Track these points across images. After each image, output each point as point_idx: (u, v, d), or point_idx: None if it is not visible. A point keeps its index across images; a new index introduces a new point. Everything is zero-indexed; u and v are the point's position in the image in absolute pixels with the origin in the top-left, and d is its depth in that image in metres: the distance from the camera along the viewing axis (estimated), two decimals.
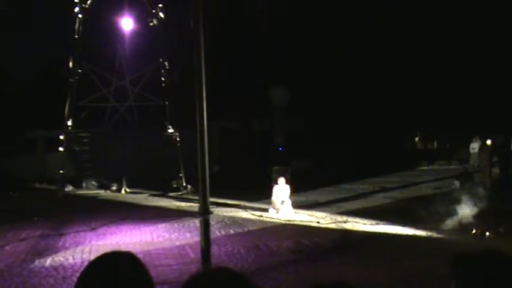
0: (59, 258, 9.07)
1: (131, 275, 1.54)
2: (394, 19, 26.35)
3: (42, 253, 9.49)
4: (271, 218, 13.12)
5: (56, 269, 8.34)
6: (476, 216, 11.33)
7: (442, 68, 26.24)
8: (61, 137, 20.78)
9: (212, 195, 17.33)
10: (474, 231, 10.44)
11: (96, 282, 1.51)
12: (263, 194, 14.64)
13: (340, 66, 25.84)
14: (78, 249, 9.76)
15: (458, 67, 26.02)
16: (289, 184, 14.27)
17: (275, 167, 16.25)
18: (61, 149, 20.64)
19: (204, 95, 6.38)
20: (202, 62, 6.37)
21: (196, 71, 6.37)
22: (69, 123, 20.76)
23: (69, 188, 20.85)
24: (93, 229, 11.73)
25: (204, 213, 6.56)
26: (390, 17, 26.34)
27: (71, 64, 20.51)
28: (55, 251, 9.67)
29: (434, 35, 26.13)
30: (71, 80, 20.42)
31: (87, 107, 21.34)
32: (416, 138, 33.22)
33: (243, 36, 25.57)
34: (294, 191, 14.64)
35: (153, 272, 6.59)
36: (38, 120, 24.03)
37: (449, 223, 11.07)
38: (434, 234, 10.39)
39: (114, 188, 20.63)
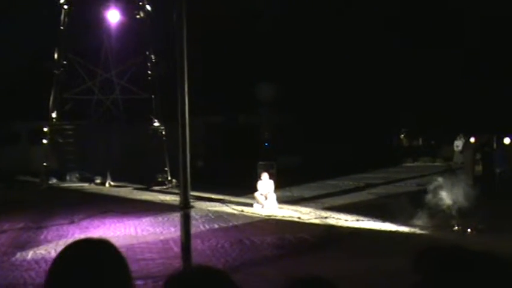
0: (40, 251, 9.00)
1: (105, 261, 1.50)
2: (382, 16, 26.45)
3: (24, 246, 9.40)
4: (255, 213, 13.14)
5: (37, 262, 8.27)
6: (458, 213, 11.43)
7: (427, 66, 26.42)
8: (45, 129, 20.59)
9: (197, 190, 17.34)
10: (456, 227, 10.56)
11: (68, 269, 1.47)
12: (248, 189, 14.65)
13: (327, 62, 25.89)
14: (61, 242, 9.68)
15: (444, 66, 26.22)
16: (274, 179, 14.31)
17: (260, 163, 16.27)
18: (45, 141, 20.45)
19: (186, 89, 6.35)
20: (185, 56, 6.34)
21: (178, 65, 6.34)
22: (54, 115, 20.59)
23: (52, 181, 20.66)
24: (76, 222, 11.65)
25: (184, 207, 6.53)
26: (378, 14, 26.44)
27: (56, 56, 20.31)
28: (37, 244, 9.59)
29: (421, 31, 26.29)
30: (55, 71, 20.23)
31: (72, 99, 21.15)
32: (402, 135, 33.44)
33: (230, 30, 25.50)
34: (279, 186, 14.68)
35: (136, 266, 6.59)
36: (21, 112, 23.76)
37: (432, 220, 11.17)
38: (417, 231, 10.49)
39: (98, 181, 20.50)
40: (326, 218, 12.10)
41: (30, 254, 8.78)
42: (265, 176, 14.09)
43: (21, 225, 11.40)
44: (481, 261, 1.10)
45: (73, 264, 1.48)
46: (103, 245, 1.56)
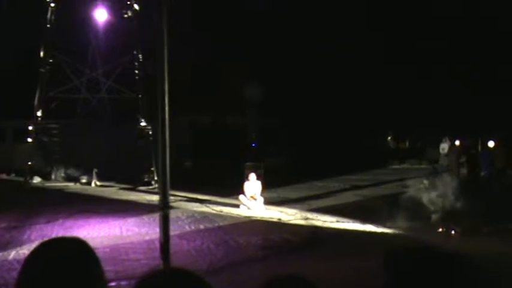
0: (23, 251, 8.91)
1: (77, 260, 1.49)
2: (368, 18, 26.61)
3: (7, 246, 9.31)
4: (241, 213, 13.15)
5: (19, 262, 8.18)
6: (443, 215, 11.54)
7: (414, 68, 26.62)
8: (30, 128, 20.41)
9: (184, 190, 17.27)
10: (440, 229, 10.65)
11: (39, 267, 1.47)
12: (235, 190, 14.65)
13: (315, 64, 25.98)
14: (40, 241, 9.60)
15: (430, 68, 26.44)
16: (261, 180, 14.31)
17: (248, 163, 16.27)
18: (30, 140, 20.27)
19: (166, 87, 6.34)
20: (165, 55, 6.33)
21: (158, 64, 6.33)
22: (39, 113, 20.42)
23: (37, 180, 20.50)
24: (60, 222, 11.57)
25: (163, 208, 6.51)
26: (365, 16, 26.59)
27: (42, 54, 20.15)
28: (20, 243, 9.50)
29: (406, 34, 26.48)
30: (41, 69, 20.06)
31: (58, 98, 21.00)
32: (389, 137, 33.63)
33: (219, 31, 25.50)
34: (266, 187, 14.70)
35: (120, 267, 6.55)
36: (6, 110, 23.54)
37: (417, 221, 11.25)
38: (402, 233, 10.56)
39: (83, 180, 20.38)
40: (311, 219, 12.14)
41: (12, 254, 8.70)
42: (252, 176, 14.09)
43: (4, 224, 11.30)
44: (451, 261, 1.12)
45: (44, 263, 1.47)
46: (75, 244, 1.55)
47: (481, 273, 1.14)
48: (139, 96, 20.80)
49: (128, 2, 19.73)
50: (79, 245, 1.54)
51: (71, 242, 1.55)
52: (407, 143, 33.49)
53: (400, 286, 1.10)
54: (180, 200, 15.33)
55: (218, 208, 13.86)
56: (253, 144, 24.65)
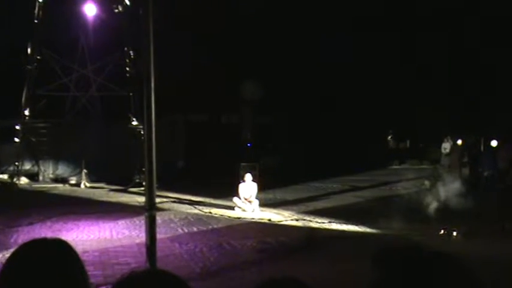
0: (9, 255, 8.89)
1: (59, 262, 1.50)
2: (369, 17, 26.67)
3: None
4: (236, 216, 13.16)
5: None
6: (444, 217, 11.60)
7: (413, 66, 26.70)
8: (17, 127, 20.36)
9: (176, 191, 17.25)
10: (442, 231, 10.70)
11: (20, 270, 1.48)
12: (230, 191, 14.68)
13: (312, 62, 26.01)
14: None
15: (430, 66, 26.52)
16: (256, 181, 14.33)
17: (243, 164, 16.28)
18: (17, 139, 20.22)
19: (153, 85, 6.37)
20: (151, 51, 6.35)
21: (145, 60, 6.35)
22: (27, 112, 20.37)
23: (24, 181, 20.45)
24: (48, 224, 11.56)
25: (149, 209, 6.51)
26: (365, 15, 26.66)
27: (29, 50, 20.10)
28: (6, 246, 9.47)
29: (406, 31, 26.57)
30: (29, 66, 20.02)
31: (46, 96, 20.96)
32: (389, 137, 33.69)
33: (213, 27, 25.49)
34: (262, 188, 14.72)
35: (110, 271, 6.54)
36: None
37: (418, 223, 11.31)
38: (401, 235, 10.60)
39: (72, 182, 20.36)
40: (308, 221, 12.18)
41: None
42: (248, 177, 14.10)
43: None
44: (442, 261, 1.14)
45: (23, 264, 1.48)
46: (56, 245, 1.56)
47: (479, 275, 1.16)
48: (131, 94, 20.78)
49: None
50: (60, 246, 1.55)
51: (52, 243, 1.56)
52: (407, 143, 33.55)
53: (388, 286, 1.12)
54: (173, 202, 15.34)
55: (212, 210, 13.87)
56: (249, 144, 24.64)
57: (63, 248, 1.55)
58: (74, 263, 1.54)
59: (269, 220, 12.52)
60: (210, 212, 13.47)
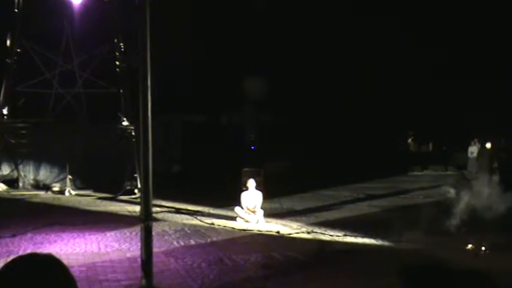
0: None
1: (51, 279, 1.51)
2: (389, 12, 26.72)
3: None
4: (238, 227, 13.16)
5: None
6: (472, 229, 11.56)
7: (438, 61, 26.67)
8: None
9: (172, 199, 17.27)
10: (469, 246, 10.66)
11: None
12: (231, 200, 14.67)
13: (323, 55, 26.01)
14: (10, 259, 9.61)
15: (458, 64, 26.52)
16: (261, 189, 14.32)
17: (245, 169, 16.29)
18: None
19: (149, 83, 6.38)
20: (148, 45, 6.37)
21: (141, 55, 6.37)
22: (5, 111, 20.41)
23: (2, 188, 20.51)
24: (29, 236, 11.58)
25: (145, 219, 6.53)
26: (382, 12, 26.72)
27: (8, 42, 20.16)
28: None
29: (429, 29, 26.61)
30: (8, 60, 20.07)
31: (26, 93, 21.01)
32: (409, 139, 33.67)
33: (215, 21, 25.55)
34: (267, 196, 14.73)
35: None
36: None
37: (442, 237, 11.27)
38: (423, 250, 10.56)
39: (56, 188, 20.39)
40: (319, 233, 12.17)
41: None
42: (251, 184, 14.09)
43: None
44: (470, 280, 1.14)
45: (15, 283, 1.49)
46: (49, 261, 1.56)
47: None
48: (121, 91, 20.82)
49: None
50: (53, 263, 1.55)
51: (44, 260, 1.56)
52: (430, 146, 33.54)
53: None
54: (168, 211, 15.36)
55: (211, 221, 13.87)
56: (252, 147, 24.66)
57: (55, 264, 1.55)
58: (67, 282, 1.54)
59: (276, 232, 12.51)
60: (213, 224, 13.46)
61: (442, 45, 26.70)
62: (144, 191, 6.63)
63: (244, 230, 12.89)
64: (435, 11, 26.87)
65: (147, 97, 6.40)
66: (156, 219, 13.28)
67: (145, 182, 6.53)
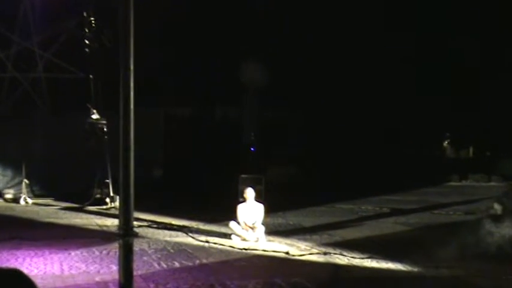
0: None
1: None
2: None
3: None
4: (233, 246, 13.17)
5: None
6: None
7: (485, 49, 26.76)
8: None
9: (151, 212, 17.31)
10: None
11: None
12: (225, 213, 14.69)
13: (341, 35, 25.96)
14: None
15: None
16: (262, 200, 14.33)
17: (243, 175, 16.31)
18: None
19: (132, 66, 6.38)
20: (131, 19, 6.37)
21: (121, 31, 6.36)
22: None
23: None
24: None
25: (125, 234, 6.54)
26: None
27: None
28: None
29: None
30: None
31: None
32: (445, 142, 33.64)
33: None
34: (269, 209, 14.72)
35: None
36: None
37: (484, 262, 11.29)
38: (463, 277, 10.59)
39: (9, 196, 20.42)
40: (334, 256, 12.18)
41: None
42: (250, 194, 14.09)
43: None
44: None
45: None
46: (14, 277, 1.59)
47: None
48: (91, 76, 20.79)
49: None
50: (19, 280, 1.59)
51: (10, 275, 1.59)
52: (470, 151, 33.51)
53: None
54: (147, 226, 15.35)
55: (201, 238, 13.88)
56: (252, 148, 24.64)
57: (22, 280, 1.58)
58: None
59: (282, 253, 12.53)
60: (203, 242, 13.47)
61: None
62: (124, 198, 6.64)
63: (240, 250, 12.89)
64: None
65: (130, 86, 6.39)
66: (135, 234, 13.28)
67: (125, 189, 6.54)
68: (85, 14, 20.63)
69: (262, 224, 13.91)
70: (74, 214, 17.93)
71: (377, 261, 11.73)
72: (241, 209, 13.98)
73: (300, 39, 25.94)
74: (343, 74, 26.43)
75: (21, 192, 19.98)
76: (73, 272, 10.62)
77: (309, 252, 12.58)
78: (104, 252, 12.20)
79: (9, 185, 20.86)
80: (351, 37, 26.02)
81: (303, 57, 26.05)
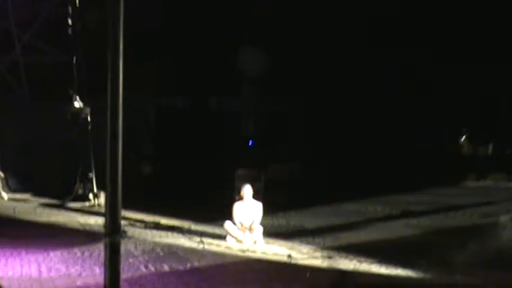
0: None
1: None
2: None
3: None
4: (229, 249, 13.19)
5: None
6: None
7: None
8: None
9: (139, 210, 17.35)
10: None
11: None
12: (220, 212, 14.69)
13: (348, 19, 25.98)
14: None
15: None
16: (261, 199, 14.33)
17: (240, 171, 16.29)
18: None
19: (121, 47, 6.34)
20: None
21: (110, 10, 6.32)
22: None
23: None
24: None
25: (111, 233, 6.50)
26: None
27: None
28: None
29: None
30: None
31: None
32: (462, 138, 33.68)
33: None
34: (268, 209, 14.72)
35: None
36: None
37: (504, 271, 11.31)
38: (478, 286, 10.61)
39: None
40: (339, 261, 12.20)
41: None
42: (248, 192, 14.09)
43: None
44: None
45: None
46: None
47: None
48: (74, 60, 20.76)
49: None
50: None
51: None
52: (490, 148, 33.54)
53: None
54: (134, 226, 15.37)
55: (193, 239, 13.90)
56: (250, 142, 24.68)
57: None
58: None
59: (279, 257, 12.54)
60: (196, 243, 13.48)
61: None
62: (111, 193, 6.58)
63: (236, 253, 12.91)
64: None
65: (119, 71, 6.33)
66: (123, 234, 13.28)
67: (112, 185, 6.51)
68: None
69: (260, 224, 13.92)
70: (53, 211, 17.95)
71: (386, 267, 11.75)
72: (237, 208, 13.99)
73: (304, 28, 25.96)
74: (352, 65, 26.47)
75: None
76: (52, 274, 10.61)
77: (311, 256, 12.61)
78: (87, 253, 12.21)
79: None
80: (361, 27, 26.08)
81: (307, 47, 26.05)
